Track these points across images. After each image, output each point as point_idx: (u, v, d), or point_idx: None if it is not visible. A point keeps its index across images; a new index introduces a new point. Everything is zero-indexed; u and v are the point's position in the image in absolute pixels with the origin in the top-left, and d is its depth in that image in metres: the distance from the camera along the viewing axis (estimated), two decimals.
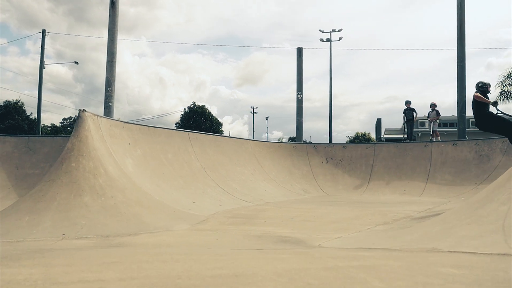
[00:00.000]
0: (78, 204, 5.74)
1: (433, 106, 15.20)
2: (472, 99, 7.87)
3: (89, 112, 7.30)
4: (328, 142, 20.95)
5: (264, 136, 69.39)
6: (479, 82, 7.97)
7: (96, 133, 7.22)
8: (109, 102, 15.14)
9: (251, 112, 61.62)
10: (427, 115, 15.40)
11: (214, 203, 8.43)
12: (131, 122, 9.31)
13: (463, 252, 2.50)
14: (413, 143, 13.75)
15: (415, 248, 2.61)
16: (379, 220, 6.08)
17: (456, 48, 17.51)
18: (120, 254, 2.98)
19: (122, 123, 8.56)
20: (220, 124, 40.62)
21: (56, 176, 6.19)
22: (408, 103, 15.34)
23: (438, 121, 14.95)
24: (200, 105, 39.01)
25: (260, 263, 2.27)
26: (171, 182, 8.60)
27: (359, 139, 37.56)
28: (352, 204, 9.13)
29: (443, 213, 6.09)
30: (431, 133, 14.66)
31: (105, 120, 7.92)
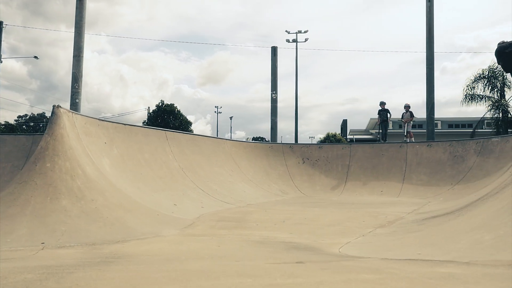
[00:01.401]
0: (56, 209, 5.24)
1: (407, 107, 15.43)
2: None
3: (64, 109, 6.76)
4: (294, 142, 20.95)
5: (228, 136, 68.88)
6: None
7: (72, 131, 6.69)
8: (75, 99, 14.35)
9: (215, 111, 60.96)
10: (401, 117, 15.60)
11: (196, 205, 8.06)
12: (107, 120, 8.76)
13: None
14: (388, 144, 13.87)
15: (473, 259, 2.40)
16: (373, 223, 5.94)
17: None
18: (126, 275, 2.61)
19: (98, 120, 8.03)
20: (190, 123, 39.75)
21: (29, 178, 5.64)
22: (382, 104, 15.49)
23: (412, 122, 15.17)
24: (169, 103, 38.06)
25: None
26: (150, 184, 8.15)
27: (330, 139, 37.98)
28: (336, 205, 9.01)
29: (438, 216, 6.04)
30: (405, 134, 14.86)
31: (80, 117, 7.38)
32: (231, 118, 64.53)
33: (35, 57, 32.72)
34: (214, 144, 12.08)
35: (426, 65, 18.27)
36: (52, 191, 5.49)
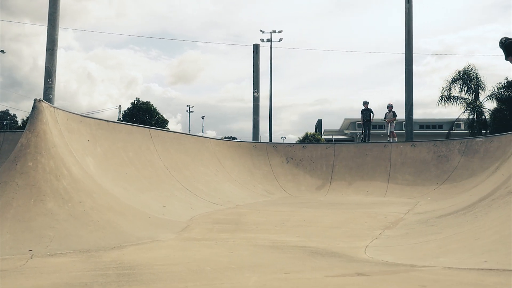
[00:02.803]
0: (41, 212, 4.77)
1: (390, 107, 15.47)
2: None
3: (45, 103, 6.25)
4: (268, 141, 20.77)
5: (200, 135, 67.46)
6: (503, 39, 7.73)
7: (54, 127, 6.18)
8: (49, 95, 13.59)
9: (186, 111, 59.88)
10: (384, 117, 15.63)
11: (185, 206, 7.69)
12: (89, 116, 8.24)
13: None
14: (372, 144, 13.85)
15: None
16: (376, 224, 5.75)
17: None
18: None
19: (80, 116, 7.52)
20: (166, 122, 38.76)
21: (9, 178, 5.13)
22: (365, 103, 15.45)
23: (395, 122, 15.22)
24: (145, 101, 36.87)
25: None
26: (135, 184, 7.70)
27: (309, 139, 38.07)
28: (327, 206, 8.82)
29: (442, 216, 5.91)
30: (388, 134, 14.89)
31: (62, 112, 6.86)
32: (203, 117, 63.58)
33: (1, 51, 31.13)
34: (198, 143, 11.69)
35: (405, 66, 18.43)
36: (36, 192, 5.01)
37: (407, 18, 18.92)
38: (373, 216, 6.70)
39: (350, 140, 43.29)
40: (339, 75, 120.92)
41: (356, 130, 47.29)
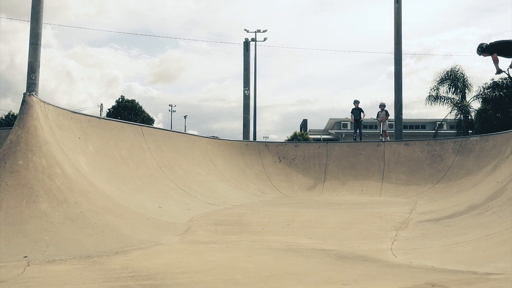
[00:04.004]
0: (34, 214, 4.42)
1: (382, 106, 15.40)
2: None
3: (36, 97, 5.86)
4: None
5: None
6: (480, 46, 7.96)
7: (45, 123, 5.80)
8: (32, 91, 12.95)
9: (168, 110, 58.91)
10: (376, 116, 15.55)
11: (182, 207, 7.38)
12: (80, 112, 7.83)
13: None
14: (365, 143, 13.73)
15: None
16: (386, 225, 5.55)
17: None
18: None
19: (70, 113, 7.12)
20: (152, 121, 37.91)
21: None
22: (356, 102, 15.34)
23: (387, 121, 15.15)
24: (130, 99, 35.98)
25: None
26: (129, 184, 7.35)
27: (297, 138, 37.95)
28: (326, 206, 8.61)
29: (453, 216, 5.76)
30: (381, 133, 14.81)
31: (52, 108, 6.47)
32: (185, 117, 62.73)
33: None
34: (190, 141, 11.35)
35: (395, 65, 18.40)
36: (28, 193, 4.65)
37: (396, 18, 18.91)
38: (378, 216, 6.51)
39: (335, 139, 43.38)
40: (321, 76, 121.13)
41: (341, 130, 47.48)
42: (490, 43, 8.05)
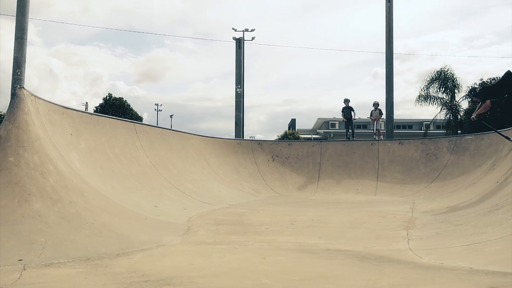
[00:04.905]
0: (28, 214, 4.14)
1: (376, 105, 15.33)
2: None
3: (27, 90, 5.57)
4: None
5: None
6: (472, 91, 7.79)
7: (37, 118, 5.50)
8: (17, 87, 12.55)
9: (154, 109, 58.00)
10: (369, 114, 15.47)
11: (178, 207, 7.14)
12: (71, 108, 7.51)
13: None
14: (359, 142, 13.64)
15: None
16: (392, 224, 5.41)
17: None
18: None
19: (62, 108, 6.81)
20: (141, 119, 37.17)
21: None
22: (346, 101, 15.20)
23: (381, 120, 15.09)
24: (117, 97, 35.13)
25: None
26: (123, 182, 7.08)
27: (288, 137, 37.81)
28: (324, 205, 8.47)
29: (459, 214, 5.64)
30: (374, 131, 14.74)
31: (43, 102, 6.17)
32: (171, 116, 61.93)
33: None
34: (183, 139, 11.08)
35: (386, 64, 18.37)
36: (20, 191, 4.37)
37: (387, 17, 18.87)
38: (380, 215, 6.37)
39: (324, 139, 43.41)
40: (307, 76, 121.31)
41: (329, 129, 47.56)
42: (483, 87, 7.74)
